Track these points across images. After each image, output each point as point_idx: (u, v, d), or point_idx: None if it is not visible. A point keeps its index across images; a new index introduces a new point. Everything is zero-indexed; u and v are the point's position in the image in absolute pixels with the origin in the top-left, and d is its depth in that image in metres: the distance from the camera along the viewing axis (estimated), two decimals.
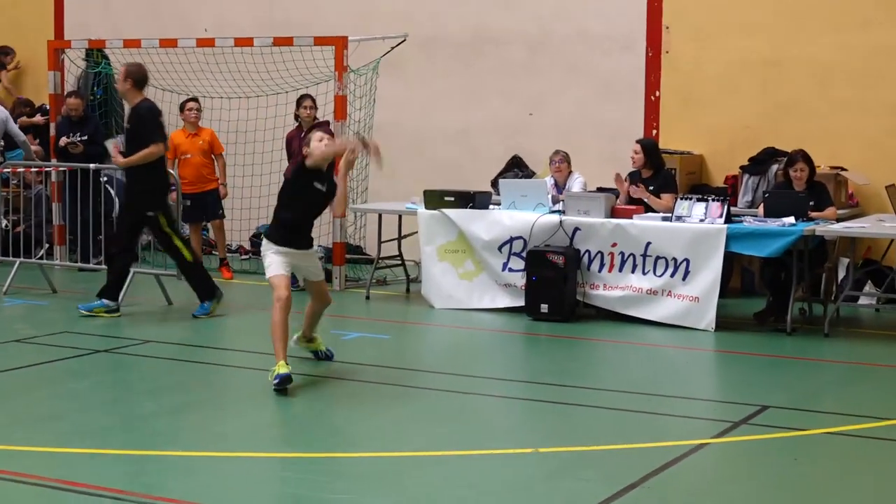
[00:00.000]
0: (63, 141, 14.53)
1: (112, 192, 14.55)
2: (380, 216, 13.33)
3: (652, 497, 6.37)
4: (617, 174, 12.13)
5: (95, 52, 15.82)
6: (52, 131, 15.04)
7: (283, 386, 8.47)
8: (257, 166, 15.21)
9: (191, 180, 13.78)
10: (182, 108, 14.30)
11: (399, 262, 13.46)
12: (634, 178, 12.23)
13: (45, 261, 13.66)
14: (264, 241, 9.03)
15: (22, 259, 13.13)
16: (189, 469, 6.87)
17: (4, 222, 13.94)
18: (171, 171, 13.34)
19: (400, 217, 13.29)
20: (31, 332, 10.79)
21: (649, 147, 12.28)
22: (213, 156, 14.21)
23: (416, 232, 12.60)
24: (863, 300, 12.37)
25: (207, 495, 6.28)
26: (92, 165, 13.22)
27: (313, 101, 13.61)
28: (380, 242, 13.16)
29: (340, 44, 13.58)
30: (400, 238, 13.36)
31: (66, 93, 15.12)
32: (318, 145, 8.85)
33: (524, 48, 15.01)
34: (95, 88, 16.11)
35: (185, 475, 6.72)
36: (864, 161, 13.15)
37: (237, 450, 7.21)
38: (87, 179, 13.12)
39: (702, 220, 11.21)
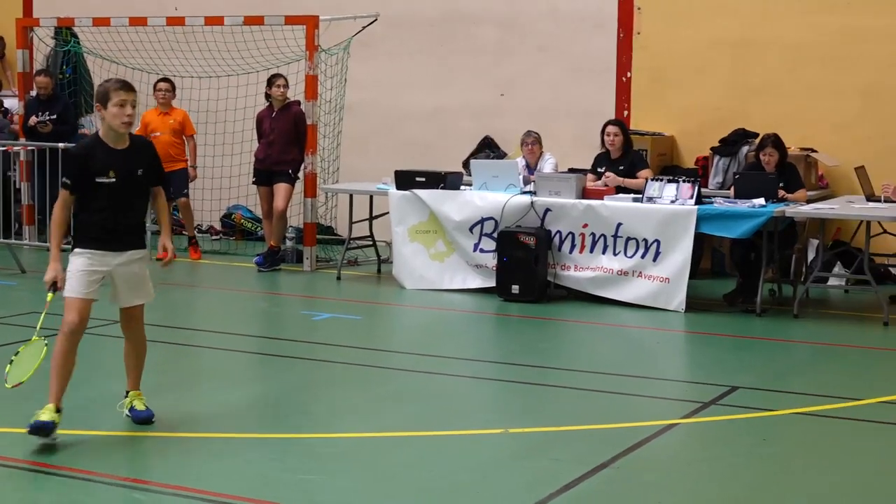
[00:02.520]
0: (32, 120, 14.44)
1: None
2: (351, 196, 13.31)
3: (622, 477, 6.39)
4: (609, 174, 12.06)
5: (64, 31, 15.71)
6: (21, 110, 14.94)
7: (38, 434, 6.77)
8: (228, 146, 15.16)
9: None
10: (154, 87, 14.24)
11: (370, 243, 13.44)
12: (602, 160, 12.25)
13: (13, 240, 13.57)
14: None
15: None
16: (161, 450, 6.85)
17: None
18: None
19: (371, 197, 13.27)
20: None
21: (624, 128, 12.32)
22: (183, 136, 14.12)
23: (388, 212, 12.59)
24: (832, 281, 12.42)
25: (179, 476, 6.27)
26: (61, 145, 13.13)
27: (285, 80, 13.56)
28: (351, 223, 13.14)
29: (311, 23, 13.54)
30: (371, 218, 13.35)
31: (34, 71, 15.01)
32: None
33: (495, 28, 14.99)
34: (64, 67, 15.99)
35: (156, 457, 6.70)
36: (834, 143, 13.21)
37: (209, 431, 7.19)
38: (56, 159, 13.03)
39: (673, 202, 11.24)
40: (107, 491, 6.07)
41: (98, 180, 6.85)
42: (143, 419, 7.21)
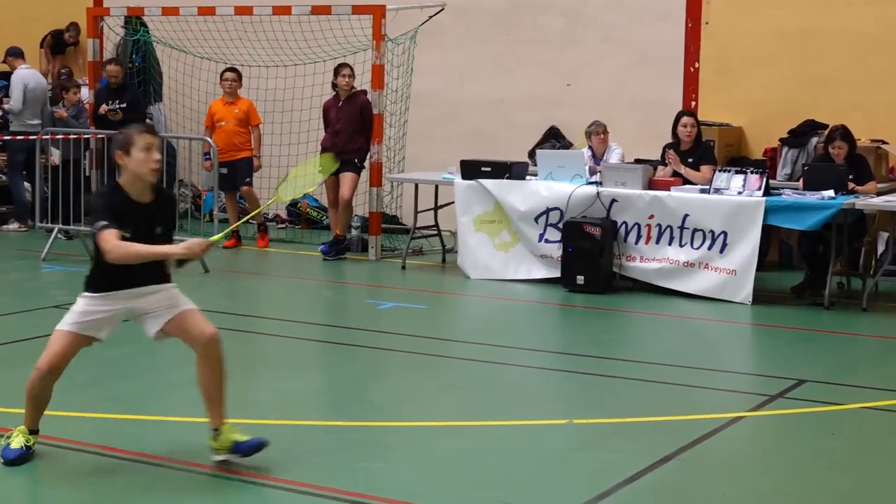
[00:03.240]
0: (103, 108, 14.58)
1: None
2: (416, 186, 13.32)
3: (687, 469, 6.36)
4: (670, 152, 11.98)
5: (134, 20, 15.85)
6: (91, 99, 15.10)
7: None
8: (294, 135, 15.22)
9: (223, 148, 13.76)
10: (221, 77, 14.34)
11: (435, 233, 13.45)
12: (671, 150, 12.16)
13: (83, 227, 13.71)
14: None
15: (60, 225, 13.19)
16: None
17: (45, 189, 14.01)
18: (208, 139, 13.38)
19: (436, 187, 13.28)
20: (68, 298, 10.74)
21: (698, 120, 12.24)
22: (249, 126, 14.20)
23: (453, 202, 12.58)
24: None
25: (241, 463, 6.30)
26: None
27: (351, 69, 13.59)
28: (416, 212, 13.16)
29: (378, 13, 13.56)
30: (436, 208, 13.35)
31: (104, 60, 15.15)
32: None
33: (561, 17, 14.93)
34: (134, 56, 16.14)
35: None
36: None
37: (270, 417, 7.23)
38: None
39: (740, 193, 11.15)
40: (171, 476, 6.12)
41: None
42: (255, 447, 6.28)
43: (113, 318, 6.34)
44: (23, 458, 6.25)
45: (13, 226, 15.08)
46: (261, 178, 14.71)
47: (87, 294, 6.31)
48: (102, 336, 6.36)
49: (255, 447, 6.26)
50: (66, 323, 6.31)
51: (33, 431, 6.36)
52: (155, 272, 6.37)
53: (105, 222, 6.06)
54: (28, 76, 15.27)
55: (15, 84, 15.14)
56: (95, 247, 6.21)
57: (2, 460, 6.25)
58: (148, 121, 15.24)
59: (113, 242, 6.02)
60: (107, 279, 6.24)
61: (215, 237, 6.47)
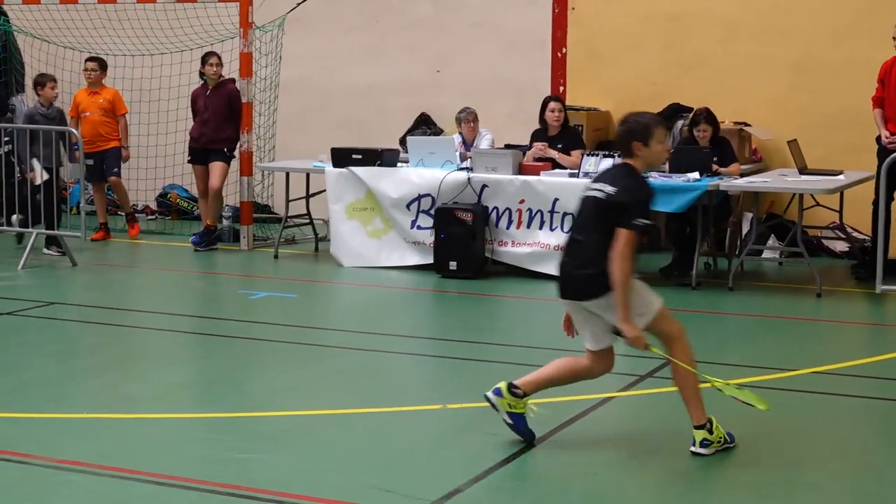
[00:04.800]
0: None
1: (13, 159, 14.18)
2: (287, 175, 13.25)
3: (558, 451, 6.43)
4: (537, 144, 12.08)
5: None
6: None
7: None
8: (162, 125, 15.03)
9: (89, 139, 13.52)
10: (84, 66, 14.09)
11: (307, 221, 13.39)
12: (539, 136, 12.28)
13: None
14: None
15: None
16: (97, 432, 6.79)
17: None
18: (74, 130, 13.14)
19: (308, 175, 13.22)
20: None
21: (564, 106, 12.37)
22: (115, 116, 13.96)
23: (325, 190, 12.55)
24: (766, 254, 12.56)
25: (116, 458, 6.22)
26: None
27: (219, 58, 13.45)
28: (287, 201, 13.08)
29: (245, 1, 13.43)
30: (308, 196, 13.29)
31: None
32: None
33: (429, 3, 14.96)
34: None
35: (92, 438, 6.65)
36: (767, 117, 13.32)
37: (145, 411, 7.15)
38: None
39: None
40: (40, 473, 6.01)
41: None
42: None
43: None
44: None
45: None
46: (129, 168, 14.51)
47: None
48: None
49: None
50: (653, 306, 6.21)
51: None
52: None
53: (645, 222, 6.03)
54: None
55: None
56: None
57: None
58: (9, 114, 14.89)
59: (632, 252, 6.00)
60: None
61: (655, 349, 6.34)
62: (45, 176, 12.39)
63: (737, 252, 12.01)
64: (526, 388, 6.46)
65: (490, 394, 6.46)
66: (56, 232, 12.44)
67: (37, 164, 12.42)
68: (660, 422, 7.09)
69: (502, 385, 6.46)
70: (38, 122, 12.78)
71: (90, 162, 13.50)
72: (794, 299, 10.97)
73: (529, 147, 12.27)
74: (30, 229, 12.33)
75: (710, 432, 6.31)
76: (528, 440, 6.45)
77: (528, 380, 6.50)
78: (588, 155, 11.59)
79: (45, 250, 12.56)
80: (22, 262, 11.77)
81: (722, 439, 6.34)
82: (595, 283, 6.21)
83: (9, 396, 7.46)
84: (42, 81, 13.08)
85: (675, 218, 11.40)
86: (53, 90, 13.07)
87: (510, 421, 6.42)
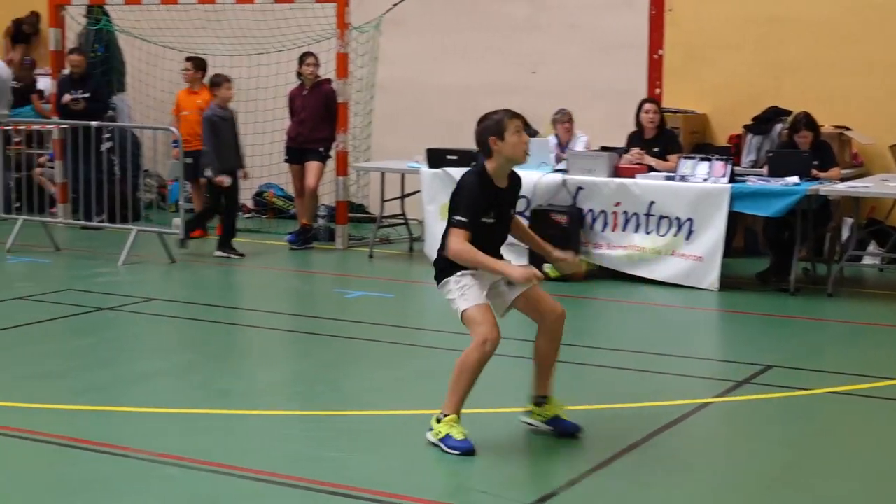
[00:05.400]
0: (65, 98, 14.49)
1: (114, 158, 14.39)
2: (382, 175, 13.31)
3: (655, 456, 6.38)
4: (635, 150, 12.01)
5: (96, 9, 15.73)
6: (54, 89, 15.00)
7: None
8: (259, 124, 15.16)
9: (186, 137, 13.68)
10: (184, 67, 14.29)
11: (402, 221, 13.44)
12: (635, 139, 12.19)
13: (47, 218, 13.65)
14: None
15: (25, 217, 13.11)
16: (192, 427, 6.88)
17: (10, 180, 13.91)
18: (173, 129, 13.32)
19: (403, 176, 13.26)
20: (34, 289, 10.79)
21: (660, 107, 12.28)
22: None
23: (419, 191, 12.58)
24: (866, 260, 12.34)
25: (210, 453, 6.29)
26: (94, 123, 13.18)
27: (315, 58, 13.55)
28: (383, 201, 13.14)
29: (342, 1, 13.52)
30: (403, 197, 13.34)
31: (67, 50, 15.06)
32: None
33: (525, 5, 14.93)
34: (96, 46, 16.01)
35: (190, 433, 6.73)
36: (869, 121, 13.11)
37: (240, 407, 7.22)
38: (88, 137, 13.09)
39: (705, 180, 11.20)
40: (140, 466, 6.09)
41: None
42: (571, 429, 6.58)
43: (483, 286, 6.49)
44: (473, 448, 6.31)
45: None
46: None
47: (455, 275, 6.46)
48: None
49: (571, 429, 6.54)
50: (468, 302, 6.41)
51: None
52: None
53: (465, 219, 6.26)
54: None
55: None
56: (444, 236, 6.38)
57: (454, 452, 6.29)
58: (111, 112, 15.15)
59: (462, 244, 6.26)
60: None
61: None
62: (229, 180, 12.56)
63: (836, 258, 11.83)
64: (543, 391, 6.68)
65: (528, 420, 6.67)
66: (155, 229, 12.62)
67: (209, 171, 12.58)
68: (756, 428, 7.02)
69: (530, 408, 6.68)
70: (217, 125, 12.61)
71: (189, 160, 13.67)
72: (894, 306, 10.78)
73: (625, 149, 12.20)
74: (130, 226, 12.52)
75: (438, 421, 6.40)
76: (576, 432, 6.54)
77: (540, 384, 6.70)
78: (685, 158, 11.49)
79: (217, 252, 12.63)
80: (122, 258, 11.96)
81: (449, 437, 6.31)
82: (437, 273, 6.64)
83: (109, 390, 7.58)
84: (218, 82, 12.80)
85: (774, 222, 11.26)
86: (230, 90, 12.84)
87: (551, 427, 6.59)
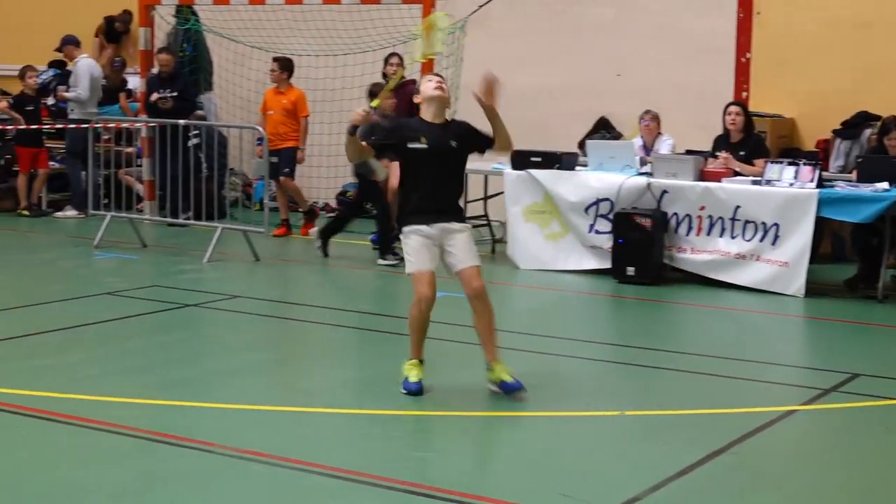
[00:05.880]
0: (154, 96, 14.66)
1: (201, 155, 14.53)
2: (466, 176, 13.27)
3: (739, 463, 6.31)
4: (723, 154, 11.88)
5: (185, 9, 15.90)
6: (143, 87, 15.19)
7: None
8: (344, 124, 15.14)
9: (270, 136, 13.74)
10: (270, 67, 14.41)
11: (485, 223, 13.42)
12: (721, 143, 12.07)
13: (134, 215, 13.82)
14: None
15: (113, 213, 13.28)
16: (276, 424, 6.93)
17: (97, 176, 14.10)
18: (259, 127, 13.42)
19: (486, 177, 13.25)
20: (121, 285, 10.93)
21: (746, 111, 12.13)
22: (297, 117, 14.21)
23: (502, 192, 12.56)
24: None
25: (295, 450, 6.33)
26: (181, 121, 13.33)
27: (400, 58, 13.58)
28: (465, 202, 13.13)
29: (428, 2, 13.54)
30: (486, 198, 13.33)
31: (156, 49, 15.24)
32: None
33: (611, 7, 14.85)
34: (185, 45, 16.19)
35: (272, 430, 6.78)
36: None
37: (321, 405, 7.26)
38: (176, 135, 13.23)
39: (792, 185, 11.06)
40: (222, 462, 6.15)
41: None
42: (513, 389, 7.33)
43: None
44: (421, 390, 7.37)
45: (70, 213, 15.19)
46: (310, 166, 14.77)
47: (405, 229, 7.48)
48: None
49: (514, 388, 7.30)
50: (412, 266, 7.39)
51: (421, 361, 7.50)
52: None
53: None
54: (91, 65, 15.51)
55: (83, 73, 15.32)
56: None
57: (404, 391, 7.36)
58: (199, 111, 15.31)
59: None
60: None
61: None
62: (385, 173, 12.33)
63: None
64: (489, 357, 7.51)
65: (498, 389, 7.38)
66: (240, 227, 12.73)
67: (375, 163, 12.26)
68: (843, 437, 6.91)
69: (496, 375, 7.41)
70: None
71: (275, 159, 13.77)
72: None
73: (711, 153, 12.08)
74: (215, 223, 12.65)
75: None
76: (517, 390, 7.32)
77: (487, 349, 7.52)
78: (772, 162, 11.35)
79: (381, 261, 12.35)
80: (207, 255, 12.07)
81: (406, 379, 7.42)
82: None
83: (193, 386, 7.66)
84: (375, 91, 12.26)
85: (862, 229, 11.09)
86: (389, 98, 12.31)
87: (499, 389, 7.36)
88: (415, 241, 7.37)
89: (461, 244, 7.51)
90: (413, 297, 7.34)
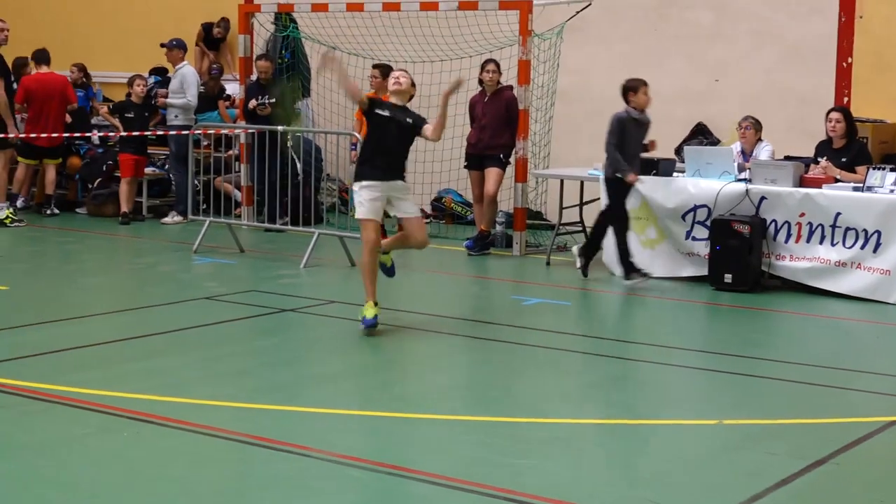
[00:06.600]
0: (252, 103, 14.83)
1: (296, 157, 14.66)
2: (561, 182, 13.27)
3: (841, 473, 6.22)
4: (824, 162, 11.71)
5: (284, 16, 16.06)
6: (242, 94, 15.37)
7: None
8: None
9: None
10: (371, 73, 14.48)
11: (580, 229, 13.38)
12: (823, 148, 11.90)
13: (233, 220, 13.98)
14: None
15: (212, 218, 13.45)
16: (372, 429, 6.97)
17: (195, 182, 14.28)
18: (355, 133, 13.51)
19: (582, 183, 13.21)
20: (220, 289, 11.07)
21: (848, 116, 11.94)
22: None
23: (598, 198, 12.51)
24: None
25: (391, 455, 6.37)
26: (279, 128, 13.46)
27: (497, 65, 13.60)
28: (561, 208, 13.11)
29: (525, 8, 13.54)
30: (581, 204, 13.28)
31: (255, 56, 15.41)
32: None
33: (710, 11, 14.74)
34: (283, 52, 16.36)
35: (369, 435, 6.82)
36: None
37: (416, 411, 7.28)
38: (274, 141, 13.36)
39: (893, 191, 10.87)
40: (319, 466, 6.19)
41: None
42: (389, 273, 9.79)
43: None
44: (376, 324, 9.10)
45: (176, 218, 15.39)
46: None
47: (356, 184, 9.23)
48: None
49: (389, 272, 9.72)
50: (361, 214, 9.13)
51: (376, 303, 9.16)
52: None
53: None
54: (195, 72, 15.80)
55: (191, 81, 15.55)
56: None
57: (364, 328, 9.05)
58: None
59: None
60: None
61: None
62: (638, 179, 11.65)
63: None
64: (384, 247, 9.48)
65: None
66: (336, 233, 12.81)
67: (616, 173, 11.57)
68: None
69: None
70: (628, 128, 11.64)
71: None
72: None
73: (812, 159, 11.91)
74: (311, 229, 12.76)
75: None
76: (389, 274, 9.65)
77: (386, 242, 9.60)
78: (874, 168, 11.17)
79: (626, 282, 11.54)
80: (304, 260, 12.17)
81: (364, 317, 9.13)
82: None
83: (290, 390, 7.73)
84: (635, 86, 11.90)
85: None
86: (645, 95, 11.92)
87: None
88: (367, 194, 9.09)
89: (406, 198, 9.44)
90: (364, 245, 9.06)
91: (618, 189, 11.59)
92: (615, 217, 11.64)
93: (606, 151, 11.63)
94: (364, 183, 9.16)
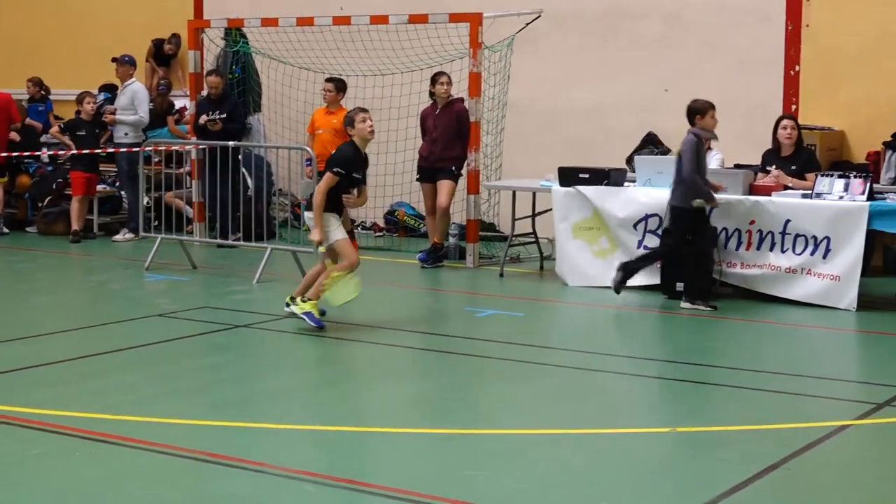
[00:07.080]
0: (203, 119, 14.78)
1: (246, 172, 14.64)
2: (514, 193, 13.32)
3: (793, 478, 6.27)
4: (774, 171, 11.77)
5: (234, 32, 16.05)
6: (193, 110, 15.32)
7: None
8: (392, 143, 15.28)
9: (319, 156, 13.73)
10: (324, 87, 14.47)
11: (533, 240, 13.43)
12: (771, 157, 12.00)
13: (185, 237, 13.92)
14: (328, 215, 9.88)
15: (163, 235, 13.39)
16: (327, 444, 6.96)
17: (146, 199, 14.22)
18: (307, 148, 13.49)
19: (534, 194, 13.25)
20: (172, 306, 11.02)
21: (798, 124, 12.05)
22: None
23: (551, 209, 12.56)
24: None
25: (346, 469, 6.36)
26: (231, 143, 13.43)
27: (448, 77, 13.62)
28: (513, 220, 13.15)
29: (475, 20, 13.58)
30: (534, 215, 13.33)
31: (205, 72, 15.37)
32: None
33: (659, 22, 14.85)
34: (234, 67, 16.33)
35: (323, 449, 6.81)
36: None
37: (371, 425, 7.28)
38: (225, 157, 13.33)
39: (842, 198, 10.99)
40: (274, 482, 6.17)
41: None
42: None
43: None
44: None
45: (128, 236, 15.32)
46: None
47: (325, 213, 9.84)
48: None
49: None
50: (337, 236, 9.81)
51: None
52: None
53: (342, 171, 9.81)
54: (145, 89, 15.77)
55: (142, 97, 15.61)
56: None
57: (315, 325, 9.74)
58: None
59: (324, 187, 9.81)
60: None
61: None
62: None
63: None
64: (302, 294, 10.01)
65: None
66: (289, 248, 12.78)
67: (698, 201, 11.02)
68: None
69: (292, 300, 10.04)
70: (700, 149, 11.03)
71: None
72: None
73: (760, 167, 12.02)
74: (264, 244, 12.74)
75: (304, 301, 9.90)
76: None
77: (302, 287, 10.11)
78: (822, 175, 11.28)
79: (687, 304, 11.00)
80: (257, 276, 12.14)
81: (312, 315, 9.84)
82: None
83: (245, 406, 7.70)
84: (703, 109, 11.22)
85: None
86: (713, 119, 11.23)
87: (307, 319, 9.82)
88: (336, 221, 9.81)
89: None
90: (345, 261, 9.77)
91: (694, 218, 11.02)
92: (696, 249, 11.00)
93: (686, 179, 10.88)
94: (333, 214, 9.88)
